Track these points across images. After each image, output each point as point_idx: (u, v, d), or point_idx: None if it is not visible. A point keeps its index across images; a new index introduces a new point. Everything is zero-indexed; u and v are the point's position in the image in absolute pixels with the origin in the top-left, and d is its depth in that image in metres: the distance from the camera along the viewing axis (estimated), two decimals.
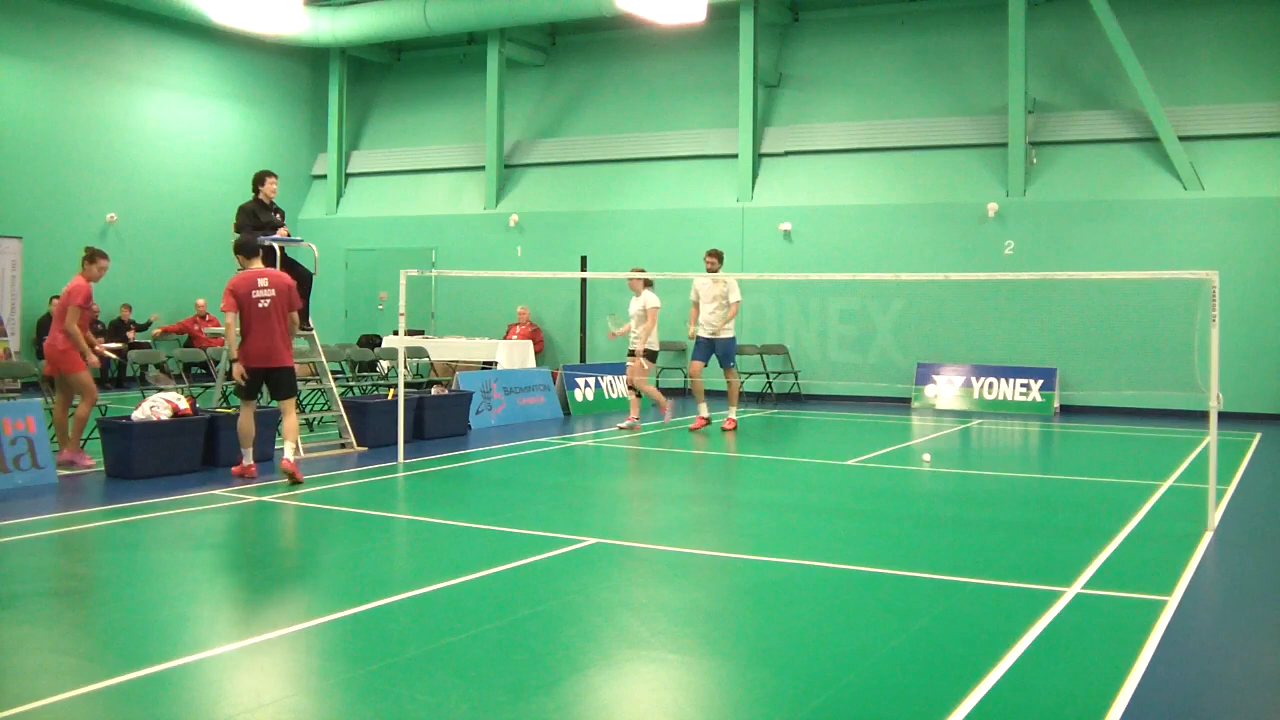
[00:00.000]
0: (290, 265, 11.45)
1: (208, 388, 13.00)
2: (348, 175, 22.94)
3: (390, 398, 11.88)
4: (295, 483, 9.30)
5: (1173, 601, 5.95)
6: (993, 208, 17.14)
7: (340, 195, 22.82)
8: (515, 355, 17.51)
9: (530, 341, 18.61)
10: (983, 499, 9.51)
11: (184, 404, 9.99)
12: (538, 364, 18.06)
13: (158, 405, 9.79)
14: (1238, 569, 7.07)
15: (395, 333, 15.31)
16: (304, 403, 13.38)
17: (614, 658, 5.05)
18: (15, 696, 4.33)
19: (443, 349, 17.26)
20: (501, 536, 7.56)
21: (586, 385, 16.05)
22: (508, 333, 19.54)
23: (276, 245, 11.14)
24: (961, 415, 16.27)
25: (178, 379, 15.84)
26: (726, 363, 13.72)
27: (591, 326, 19.17)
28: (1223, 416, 9.13)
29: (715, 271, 13.19)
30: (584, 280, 19.13)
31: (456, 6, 19.70)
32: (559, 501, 9.26)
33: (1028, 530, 8.16)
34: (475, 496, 9.59)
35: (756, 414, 16.15)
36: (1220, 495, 9.10)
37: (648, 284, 13.55)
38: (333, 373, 12.53)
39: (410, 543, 7.78)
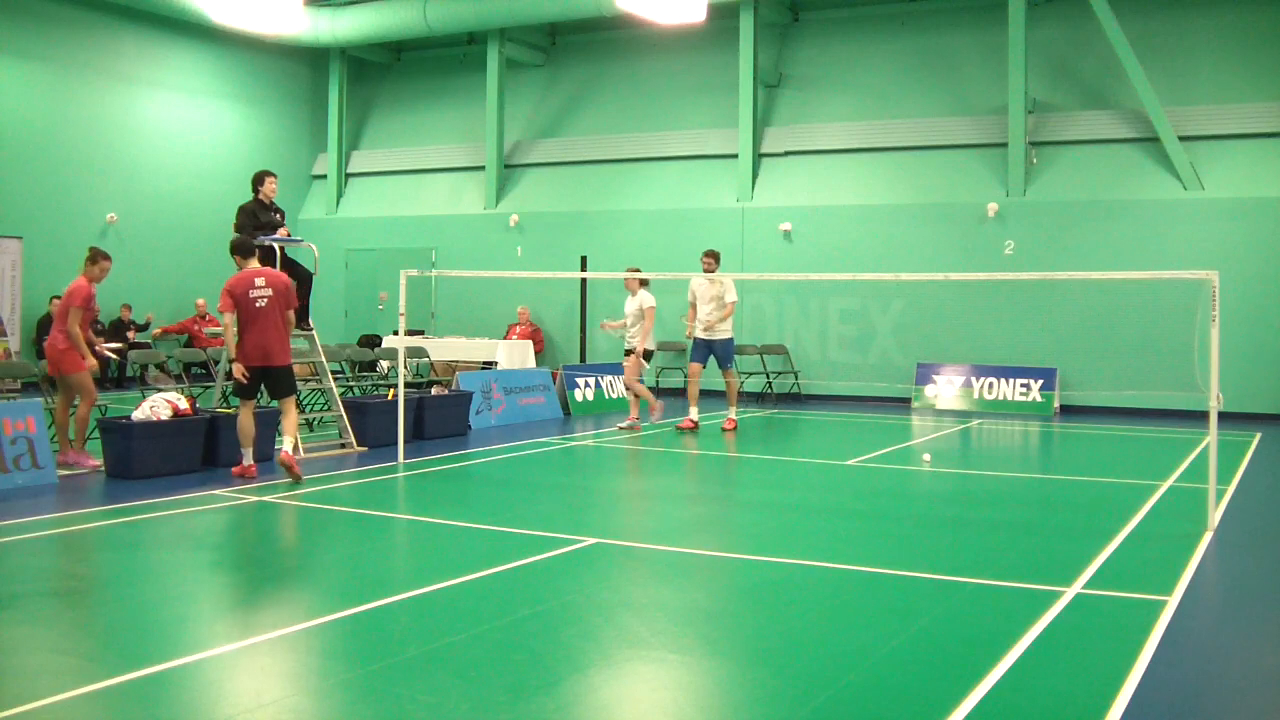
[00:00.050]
0: (290, 265, 11.45)
1: (208, 388, 13.00)
2: (348, 175, 22.94)
3: (390, 398, 11.88)
4: (294, 477, 9.32)
5: (1173, 601, 5.95)
6: (993, 208, 17.14)
7: (340, 195, 22.82)
8: (515, 355, 17.52)
9: (530, 341, 18.62)
10: (983, 499, 9.50)
11: (184, 404, 10.00)
12: (538, 364, 18.06)
13: (158, 405, 9.80)
14: (1238, 569, 7.07)
15: (395, 333, 15.31)
16: (304, 403, 13.38)
17: (614, 658, 5.05)
18: (15, 696, 4.33)
19: (443, 349, 17.26)
20: (501, 536, 7.56)
21: (586, 385, 16.05)
22: (508, 333, 19.54)
23: (276, 245, 11.15)
24: (961, 415, 16.26)
25: (178, 379, 15.82)
26: (725, 364, 13.73)
27: (591, 326, 19.16)
28: (1223, 416, 9.13)
29: (712, 272, 13.21)
30: (584, 280, 19.13)
31: (456, 6, 19.69)
32: (559, 501, 9.26)
33: (1028, 530, 8.16)
34: (475, 496, 9.59)
35: (756, 414, 16.15)
36: (1220, 495, 9.10)
37: (644, 283, 13.56)
38: (333, 373, 12.53)
39: (410, 543, 7.78)
